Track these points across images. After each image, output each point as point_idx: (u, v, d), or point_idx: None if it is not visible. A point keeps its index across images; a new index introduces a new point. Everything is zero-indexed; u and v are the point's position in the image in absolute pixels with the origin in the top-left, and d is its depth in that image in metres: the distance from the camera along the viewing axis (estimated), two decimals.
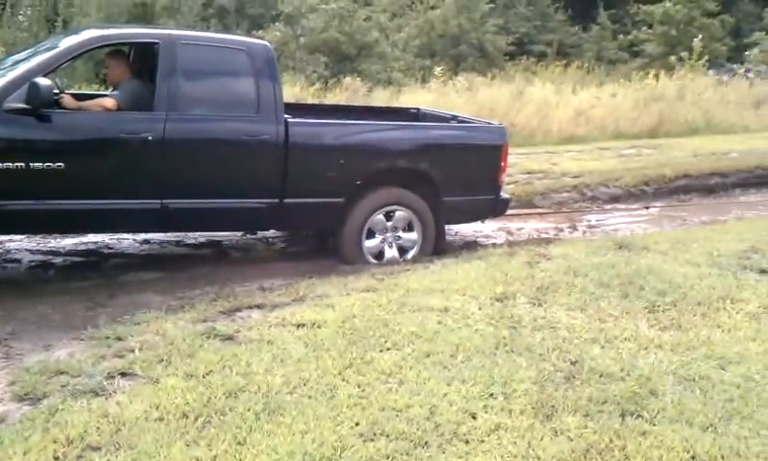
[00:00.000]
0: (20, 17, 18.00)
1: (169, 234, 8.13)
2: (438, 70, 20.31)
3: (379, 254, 7.33)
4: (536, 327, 5.02)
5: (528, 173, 12.81)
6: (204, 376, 4.25)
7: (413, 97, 18.40)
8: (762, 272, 6.38)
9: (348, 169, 7.06)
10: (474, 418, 3.83)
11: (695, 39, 24.01)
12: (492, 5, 31.01)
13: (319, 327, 5.03)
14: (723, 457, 3.50)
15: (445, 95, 18.30)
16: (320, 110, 9.54)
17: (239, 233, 8.06)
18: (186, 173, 6.58)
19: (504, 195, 8.07)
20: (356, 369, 4.35)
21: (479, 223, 8.74)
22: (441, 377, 4.25)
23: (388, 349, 4.65)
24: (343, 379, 4.23)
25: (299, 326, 5.08)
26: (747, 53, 33.50)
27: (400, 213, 7.33)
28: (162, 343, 4.77)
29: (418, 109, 9.40)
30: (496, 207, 7.95)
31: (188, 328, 5.06)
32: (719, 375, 4.39)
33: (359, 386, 4.15)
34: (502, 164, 7.74)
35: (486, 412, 3.88)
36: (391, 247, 7.38)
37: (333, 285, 6.08)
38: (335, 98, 17.02)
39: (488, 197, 7.76)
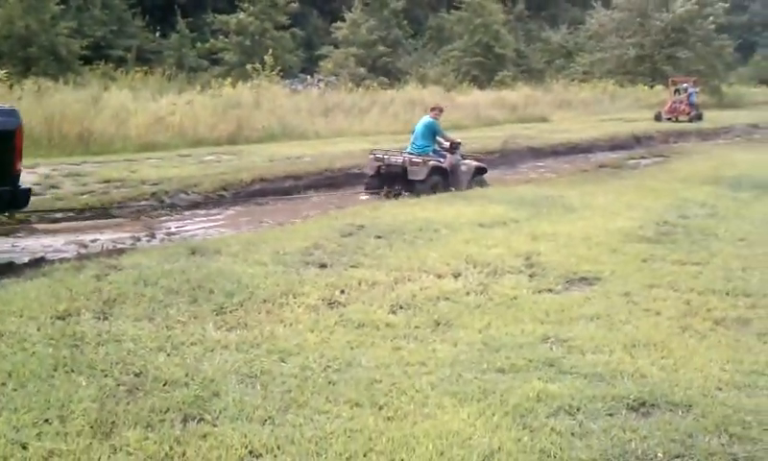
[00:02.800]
0: None
1: None
2: (2, 73, 18.60)
3: None
4: (100, 343, 4.80)
5: (105, 182, 12.37)
6: None
7: None
8: (322, 266, 6.89)
9: None
10: (25, 448, 3.52)
11: (266, 55, 25.24)
12: (64, 6, 29.37)
13: None
14: (279, 447, 3.66)
15: (11, 100, 16.82)
16: None
17: None
18: None
19: (24, 185, 7.48)
20: None
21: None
22: None
23: None
24: None
25: None
26: (319, 64, 36.31)
27: None
28: None
29: None
30: (15, 199, 7.37)
31: None
32: (280, 368, 4.60)
33: None
34: (16, 150, 7.15)
35: (39, 440, 3.59)
36: None
37: None
38: None
39: (1, 188, 7.09)
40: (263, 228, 10.13)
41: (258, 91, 22.62)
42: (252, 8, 32.51)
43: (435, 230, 8.44)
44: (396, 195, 12.33)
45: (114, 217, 10.89)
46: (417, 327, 5.43)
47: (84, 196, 11.16)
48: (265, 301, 5.82)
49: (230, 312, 5.54)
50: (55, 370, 4.37)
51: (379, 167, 12.66)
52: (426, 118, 13.06)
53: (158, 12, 37.22)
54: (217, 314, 5.48)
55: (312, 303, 5.83)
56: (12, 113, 7.31)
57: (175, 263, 6.69)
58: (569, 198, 11.19)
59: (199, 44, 34.65)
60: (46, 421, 3.79)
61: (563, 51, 52.49)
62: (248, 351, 4.83)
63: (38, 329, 5.00)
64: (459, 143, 13.19)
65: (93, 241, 9.19)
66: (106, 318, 5.27)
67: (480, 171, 13.35)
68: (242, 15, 32.29)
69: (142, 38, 34.66)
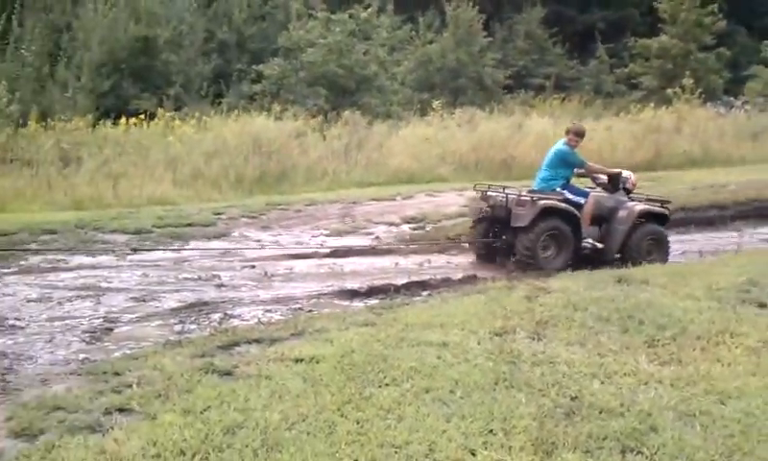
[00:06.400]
0: (23, 51, 18.03)
1: (168, 267, 8.13)
2: (436, 103, 20.41)
3: None
4: (535, 363, 5.00)
5: None
6: (201, 412, 4.22)
7: (412, 130, 18.50)
8: (761, 306, 6.37)
9: None
10: (474, 455, 3.80)
11: (684, 80, 24.14)
12: (491, 38, 31.28)
13: (317, 362, 5.01)
14: None
15: (445, 128, 18.39)
16: None
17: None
18: None
19: None
20: (355, 405, 4.33)
21: None
22: (440, 414, 4.23)
23: (387, 384, 4.63)
24: (342, 415, 4.20)
25: (297, 361, 5.06)
26: (746, 85, 33.71)
27: None
28: (160, 378, 4.75)
29: None
30: None
31: (186, 363, 5.04)
32: (719, 410, 4.36)
33: (358, 422, 4.12)
34: None
35: (486, 449, 3.85)
36: None
37: (331, 320, 6.07)
38: (337, 131, 17.09)
39: None
40: (688, 259, 9.68)
41: (679, 115, 21.72)
42: (674, 29, 31.34)
43: None
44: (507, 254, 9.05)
45: None
46: None
47: None
48: (699, 337, 5.56)
49: (662, 346, 5.39)
50: (496, 384, 4.65)
51: (484, 210, 9.37)
52: (558, 144, 9.41)
53: (578, 40, 37.77)
54: (649, 346, 5.38)
55: (752, 344, 5.43)
56: None
57: (602, 291, 6.71)
58: None
59: (617, 70, 34.36)
60: (491, 431, 4.04)
61: None
62: (683, 388, 4.66)
63: (478, 343, 5.37)
64: (622, 175, 9.41)
65: None
66: (539, 339, 5.48)
67: (652, 218, 9.25)
68: (664, 38, 31.25)
69: (561, 66, 35.35)
